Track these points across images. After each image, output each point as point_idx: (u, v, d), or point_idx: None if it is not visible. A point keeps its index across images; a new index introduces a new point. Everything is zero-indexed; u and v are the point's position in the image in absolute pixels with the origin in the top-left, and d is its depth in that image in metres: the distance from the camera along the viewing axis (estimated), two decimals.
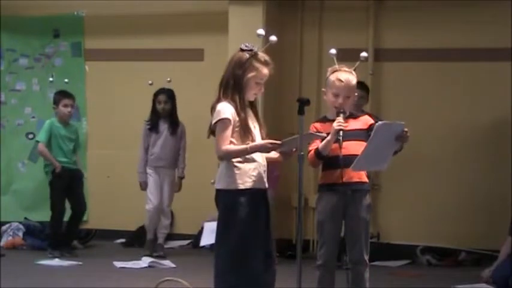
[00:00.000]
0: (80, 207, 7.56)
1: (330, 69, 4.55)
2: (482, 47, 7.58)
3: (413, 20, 7.75)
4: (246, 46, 4.17)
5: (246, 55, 4.13)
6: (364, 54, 4.64)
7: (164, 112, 7.59)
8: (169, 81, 7.72)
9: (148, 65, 8.43)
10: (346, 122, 4.38)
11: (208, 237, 7.17)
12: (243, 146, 4.04)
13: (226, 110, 4.06)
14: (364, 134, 4.40)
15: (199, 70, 8.35)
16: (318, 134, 4.25)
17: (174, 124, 7.63)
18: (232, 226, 4.08)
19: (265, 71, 4.13)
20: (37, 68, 8.91)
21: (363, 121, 4.52)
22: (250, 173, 4.08)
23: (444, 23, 7.64)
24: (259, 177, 4.12)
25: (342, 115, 4.39)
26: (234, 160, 4.08)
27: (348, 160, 4.32)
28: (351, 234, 4.46)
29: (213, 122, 4.10)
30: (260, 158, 4.14)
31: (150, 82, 7.74)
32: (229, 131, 4.04)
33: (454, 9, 7.59)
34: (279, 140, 4.03)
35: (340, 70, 4.48)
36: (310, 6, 8.02)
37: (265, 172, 4.17)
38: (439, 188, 7.64)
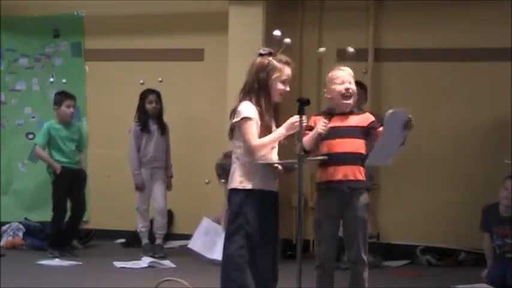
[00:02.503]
0: (79, 209, 7.53)
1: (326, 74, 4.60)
2: (482, 47, 7.57)
3: (413, 20, 7.75)
4: (263, 50, 4.24)
5: (268, 58, 4.19)
6: (350, 49, 4.64)
7: (155, 112, 7.58)
8: (161, 81, 7.74)
9: (148, 65, 8.43)
10: (330, 122, 4.38)
11: (198, 240, 7.16)
12: (274, 133, 4.12)
13: (248, 108, 4.12)
14: (359, 132, 4.41)
15: (199, 70, 8.35)
16: (318, 158, 4.26)
17: (163, 124, 7.63)
18: (240, 226, 4.11)
19: (287, 70, 4.22)
20: (37, 68, 8.91)
21: (363, 118, 4.50)
22: (261, 174, 4.11)
23: (444, 22, 7.64)
24: (270, 179, 4.15)
25: (328, 116, 4.41)
26: (245, 160, 4.10)
27: (342, 157, 4.35)
28: (348, 234, 4.47)
29: (235, 120, 4.14)
30: (273, 161, 4.17)
31: (141, 82, 7.76)
32: (255, 128, 4.09)
33: (454, 9, 7.59)
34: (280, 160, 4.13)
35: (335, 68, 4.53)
36: (310, 6, 8.02)
37: (277, 175, 4.20)
38: (439, 188, 7.64)
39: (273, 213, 4.18)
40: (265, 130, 4.13)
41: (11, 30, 8.85)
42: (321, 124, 4.36)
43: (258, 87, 4.15)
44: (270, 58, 4.18)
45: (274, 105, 4.24)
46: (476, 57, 7.59)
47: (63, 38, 8.87)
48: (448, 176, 7.62)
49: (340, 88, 4.45)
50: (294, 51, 7.75)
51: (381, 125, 4.40)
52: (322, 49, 4.66)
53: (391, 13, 7.85)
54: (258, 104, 4.13)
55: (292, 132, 4.12)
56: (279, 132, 4.12)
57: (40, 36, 8.86)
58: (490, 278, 6.22)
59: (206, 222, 7.25)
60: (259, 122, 4.12)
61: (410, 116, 4.25)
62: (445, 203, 7.58)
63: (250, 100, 4.15)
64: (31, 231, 7.98)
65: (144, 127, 7.54)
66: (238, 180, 4.13)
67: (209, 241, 7.01)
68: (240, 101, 4.18)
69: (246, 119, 4.09)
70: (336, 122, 4.44)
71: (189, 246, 7.27)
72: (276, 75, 4.16)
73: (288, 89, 4.24)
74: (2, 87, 8.89)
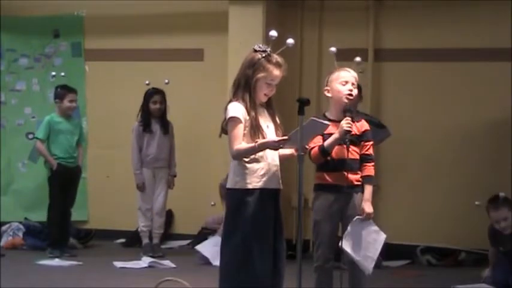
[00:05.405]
0: (69, 205, 7.51)
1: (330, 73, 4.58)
2: (482, 47, 7.57)
3: (413, 20, 7.75)
4: (259, 47, 4.17)
5: (258, 55, 4.13)
6: (357, 59, 4.66)
7: (159, 112, 7.58)
8: (167, 83, 7.73)
9: (148, 65, 8.43)
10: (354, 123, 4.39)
11: (206, 247, 7.16)
12: (251, 144, 4.04)
13: (235, 109, 4.08)
14: (356, 139, 4.42)
15: (199, 70, 8.35)
16: (322, 121, 4.19)
17: (166, 124, 7.63)
18: (237, 225, 4.08)
19: (276, 72, 4.12)
20: (37, 68, 8.91)
21: (358, 126, 4.52)
22: (258, 172, 4.08)
23: (444, 23, 7.63)
24: (269, 176, 4.10)
25: (348, 113, 4.39)
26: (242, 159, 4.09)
27: (341, 163, 4.37)
28: None
29: (224, 121, 4.12)
30: (270, 157, 4.13)
31: (146, 82, 7.75)
32: (239, 130, 4.05)
33: (454, 9, 7.59)
34: (286, 135, 4.03)
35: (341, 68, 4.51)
36: (310, 6, 8.02)
37: (278, 171, 4.17)
38: (439, 188, 7.64)
39: (273, 211, 4.13)
40: (253, 127, 4.07)
41: (11, 30, 8.85)
42: (345, 123, 4.33)
43: (243, 83, 4.11)
44: (260, 56, 4.11)
45: (267, 102, 4.20)
46: (476, 57, 7.59)
47: (63, 38, 8.87)
48: (448, 176, 7.62)
49: (344, 89, 4.44)
50: (294, 51, 7.82)
51: (368, 140, 4.47)
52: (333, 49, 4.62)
53: (391, 13, 7.85)
54: (243, 100, 4.09)
55: (270, 149, 4.06)
56: (255, 146, 4.01)
57: (40, 36, 8.86)
58: (492, 278, 6.18)
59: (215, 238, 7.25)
60: (247, 117, 4.06)
61: (365, 214, 4.42)
62: (445, 203, 7.58)
63: (237, 99, 4.12)
64: (31, 231, 7.98)
65: (146, 127, 7.55)
66: (236, 180, 4.10)
67: (217, 251, 6.98)
68: (230, 99, 4.15)
69: (231, 118, 4.07)
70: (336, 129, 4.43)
71: (197, 247, 7.26)
72: (262, 74, 4.09)
73: (273, 91, 4.16)
74: (2, 87, 8.89)
